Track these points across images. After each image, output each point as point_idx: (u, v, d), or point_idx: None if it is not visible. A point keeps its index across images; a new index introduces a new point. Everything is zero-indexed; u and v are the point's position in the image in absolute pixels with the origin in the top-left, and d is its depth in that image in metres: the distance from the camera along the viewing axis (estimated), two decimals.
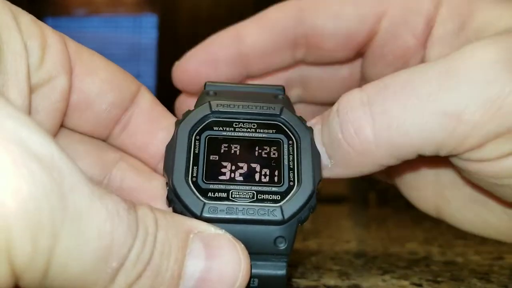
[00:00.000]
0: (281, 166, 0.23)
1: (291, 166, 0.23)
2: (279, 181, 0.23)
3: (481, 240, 0.51)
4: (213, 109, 0.25)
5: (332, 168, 0.24)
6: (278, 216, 0.22)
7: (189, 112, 0.25)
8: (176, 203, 0.22)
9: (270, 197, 0.22)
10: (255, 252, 0.22)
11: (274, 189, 0.23)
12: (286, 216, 0.22)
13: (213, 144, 0.24)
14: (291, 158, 0.24)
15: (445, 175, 0.29)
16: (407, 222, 0.75)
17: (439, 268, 0.36)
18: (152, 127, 0.27)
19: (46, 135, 0.15)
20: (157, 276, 0.17)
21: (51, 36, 0.23)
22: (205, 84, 0.28)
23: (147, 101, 0.27)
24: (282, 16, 0.29)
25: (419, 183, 0.31)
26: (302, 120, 0.25)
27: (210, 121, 0.25)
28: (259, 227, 0.22)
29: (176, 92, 0.34)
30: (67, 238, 0.15)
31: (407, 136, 0.21)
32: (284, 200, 0.22)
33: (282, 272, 0.23)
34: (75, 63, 0.24)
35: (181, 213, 0.22)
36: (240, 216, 0.22)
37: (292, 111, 0.25)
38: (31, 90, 0.22)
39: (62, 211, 0.15)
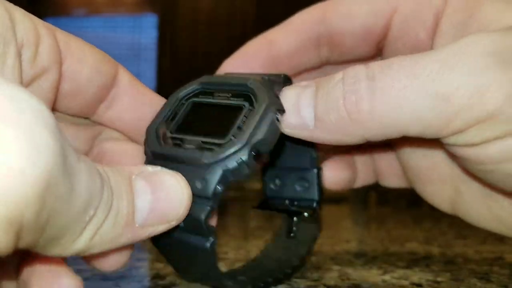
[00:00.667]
0: (234, 126, 0.25)
1: (240, 126, 0.25)
2: (224, 136, 0.25)
3: (481, 240, 0.51)
4: (201, 81, 0.29)
5: (313, 130, 0.25)
6: (200, 158, 0.24)
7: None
8: (145, 144, 0.27)
9: (209, 146, 0.25)
10: None
11: (216, 141, 0.25)
12: (206, 160, 0.24)
13: (194, 108, 0.28)
14: (243, 119, 0.25)
15: (459, 168, 0.30)
16: (407, 222, 0.76)
17: (439, 268, 0.36)
18: (136, 104, 0.29)
19: (46, 105, 0.17)
20: (117, 216, 0.20)
21: (42, 30, 0.24)
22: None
23: (127, 80, 0.29)
24: (306, 19, 0.31)
25: (436, 176, 0.31)
26: (270, 92, 0.26)
27: (197, 92, 0.29)
28: (188, 167, 0.24)
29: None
30: (63, 195, 0.16)
31: (399, 114, 0.22)
32: (216, 149, 0.24)
33: (198, 214, 0.24)
34: (65, 54, 0.25)
35: (145, 152, 0.27)
36: (175, 154, 0.25)
37: (267, 85, 0.27)
38: (25, 85, 0.23)
39: (64, 172, 0.16)
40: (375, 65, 0.23)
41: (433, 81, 0.22)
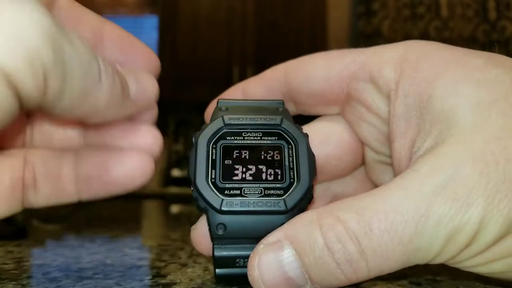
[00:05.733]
0: (283, 166, 0.28)
1: (291, 166, 0.28)
2: (282, 179, 0.28)
3: None
4: (225, 122, 0.30)
5: None
6: (282, 207, 0.27)
7: (206, 125, 0.30)
8: (199, 200, 0.28)
9: (275, 192, 0.27)
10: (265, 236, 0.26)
11: (278, 185, 0.28)
12: (288, 207, 0.27)
13: (227, 151, 0.29)
14: (291, 160, 0.28)
15: None
16: None
17: (438, 267, 0.36)
18: (77, 22, 0.29)
19: None
20: (116, 85, 0.23)
21: None
22: (218, 101, 0.33)
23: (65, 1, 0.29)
24: (273, 76, 0.34)
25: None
26: (299, 128, 0.30)
27: (223, 132, 0.30)
28: (267, 216, 0.27)
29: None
30: (67, 49, 0.19)
31: (389, 263, 0.24)
32: (287, 194, 0.27)
33: None
34: None
35: (204, 208, 0.27)
36: (252, 208, 0.27)
37: (291, 120, 0.30)
38: None
39: (61, 33, 0.19)
40: (353, 221, 0.24)
41: (403, 232, 0.23)
